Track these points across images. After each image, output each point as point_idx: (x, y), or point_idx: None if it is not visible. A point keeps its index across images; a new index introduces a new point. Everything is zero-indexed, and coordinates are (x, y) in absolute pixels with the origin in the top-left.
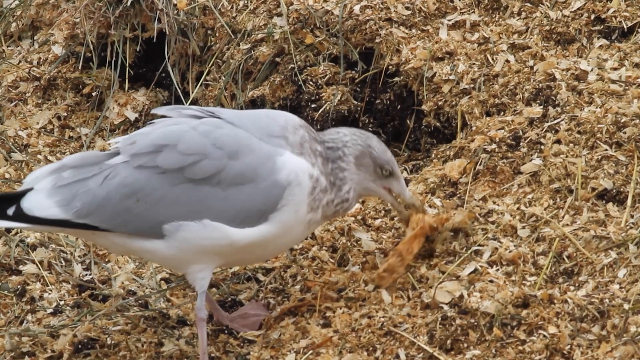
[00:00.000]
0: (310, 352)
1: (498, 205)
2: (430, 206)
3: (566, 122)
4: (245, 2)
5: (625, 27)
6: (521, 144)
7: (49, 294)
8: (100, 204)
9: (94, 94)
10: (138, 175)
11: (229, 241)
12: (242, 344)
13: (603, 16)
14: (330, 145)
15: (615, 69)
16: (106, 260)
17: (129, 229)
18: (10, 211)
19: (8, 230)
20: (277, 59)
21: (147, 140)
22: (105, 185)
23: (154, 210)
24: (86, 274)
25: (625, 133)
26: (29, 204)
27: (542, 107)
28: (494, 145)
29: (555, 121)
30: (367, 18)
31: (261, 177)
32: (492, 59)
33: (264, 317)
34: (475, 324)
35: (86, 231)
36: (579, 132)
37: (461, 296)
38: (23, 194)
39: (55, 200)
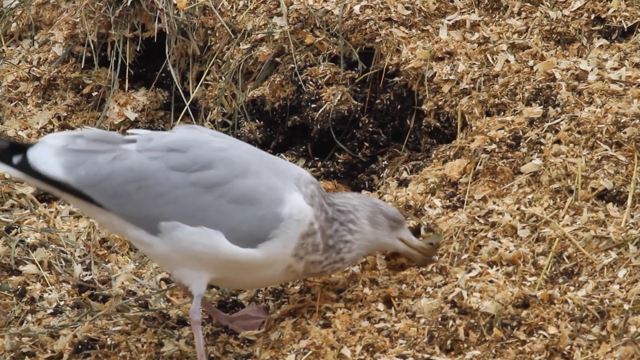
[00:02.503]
0: (311, 352)
1: (498, 205)
2: (430, 206)
3: (566, 122)
4: (245, 2)
5: (625, 27)
6: (521, 144)
7: (49, 294)
8: (103, 179)
9: (94, 94)
10: (147, 165)
11: (217, 251)
12: (242, 344)
13: (603, 16)
14: (341, 208)
15: (615, 69)
16: (106, 260)
17: (122, 211)
18: (16, 159)
19: (8, 230)
20: (277, 59)
21: (162, 141)
22: (113, 164)
23: (152, 202)
24: (86, 274)
25: (625, 133)
26: (34, 156)
27: (542, 107)
28: (494, 146)
29: (555, 121)
30: (367, 18)
31: (263, 203)
32: (492, 59)
33: (264, 319)
34: (475, 324)
35: (81, 201)
36: (579, 132)
37: (461, 296)
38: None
39: (61, 161)
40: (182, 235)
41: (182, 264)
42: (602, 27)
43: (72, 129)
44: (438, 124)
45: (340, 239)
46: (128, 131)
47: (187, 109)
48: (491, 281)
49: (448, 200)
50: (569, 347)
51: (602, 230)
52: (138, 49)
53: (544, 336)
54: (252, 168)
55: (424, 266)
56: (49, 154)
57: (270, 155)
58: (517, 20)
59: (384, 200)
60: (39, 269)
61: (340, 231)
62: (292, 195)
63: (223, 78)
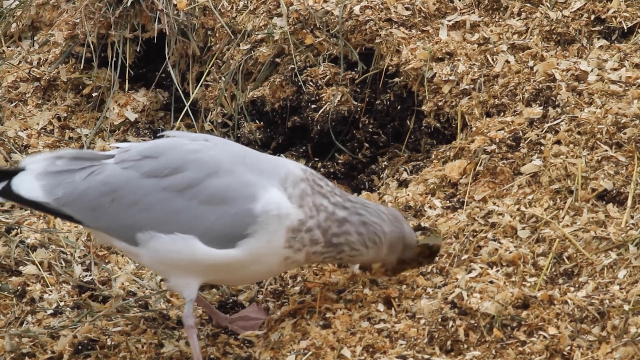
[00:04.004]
0: (311, 353)
1: (498, 206)
2: (430, 207)
3: (566, 123)
4: (245, 2)
5: (625, 27)
6: (521, 144)
7: (49, 295)
8: (78, 196)
9: (94, 94)
10: (120, 175)
11: (193, 256)
12: (242, 345)
13: (603, 16)
14: (366, 221)
15: (615, 69)
16: (106, 261)
17: (100, 225)
18: (0, 185)
19: (8, 230)
20: (277, 60)
21: (137, 150)
22: (87, 180)
23: (126, 212)
24: (86, 275)
25: (625, 134)
26: (17, 183)
27: (542, 107)
28: (494, 146)
29: (555, 122)
30: (367, 18)
31: (235, 201)
32: (492, 59)
33: (264, 320)
34: (475, 325)
35: (65, 219)
36: (579, 133)
37: (461, 297)
38: (16, 172)
39: (41, 184)
40: (158, 245)
41: (168, 273)
42: (602, 27)
43: (72, 129)
44: (438, 125)
45: (350, 245)
46: (108, 144)
47: (187, 110)
48: (491, 282)
49: (448, 201)
50: (569, 347)
51: (602, 230)
52: (138, 50)
53: (544, 337)
54: (225, 167)
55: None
56: (30, 179)
57: (260, 154)
58: (517, 20)
59: (384, 201)
60: (39, 270)
61: (353, 236)
62: (267, 192)
63: (223, 79)
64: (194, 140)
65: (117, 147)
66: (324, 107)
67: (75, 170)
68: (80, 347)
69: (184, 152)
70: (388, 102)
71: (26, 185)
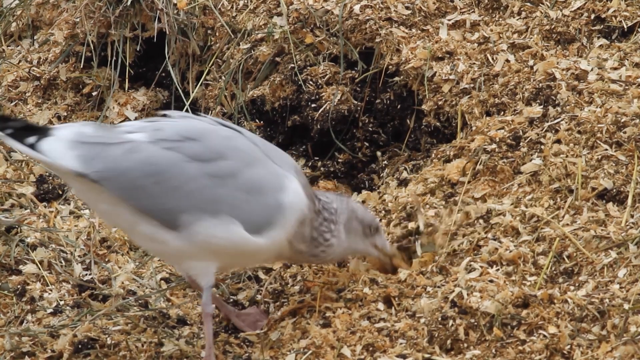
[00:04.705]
0: (311, 352)
1: (498, 205)
2: (430, 206)
3: (566, 122)
4: (245, 1)
5: (625, 26)
6: (521, 143)
7: (49, 293)
8: (121, 173)
9: (94, 93)
10: (164, 157)
11: (233, 242)
12: (242, 344)
13: (603, 16)
14: (326, 207)
15: (615, 68)
16: (106, 260)
17: (139, 205)
18: (31, 141)
19: (8, 229)
20: (277, 59)
21: (173, 129)
22: (129, 157)
23: (170, 195)
24: (86, 274)
25: (625, 133)
26: (48, 150)
27: (542, 106)
28: (494, 145)
29: (556, 121)
30: (367, 18)
31: (268, 191)
32: (492, 58)
33: (264, 323)
34: (475, 324)
35: (93, 193)
36: (579, 132)
37: (461, 296)
38: (40, 130)
39: (76, 154)
40: (201, 228)
41: (193, 257)
42: (602, 27)
43: None
44: (438, 124)
45: (322, 234)
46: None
47: (187, 109)
48: (491, 281)
49: (448, 200)
50: (569, 346)
51: (602, 229)
52: (138, 49)
53: (544, 336)
54: (258, 156)
55: (394, 274)
56: (62, 147)
57: (265, 141)
58: (517, 20)
59: (384, 200)
60: (39, 269)
61: (324, 227)
62: (292, 183)
63: (223, 78)
64: (214, 123)
65: (131, 125)
66: (324, 106)
67: (108, 143)
68: (80, 346)
69: (221, 139)
70: (388, 101)
71: (59, 153)
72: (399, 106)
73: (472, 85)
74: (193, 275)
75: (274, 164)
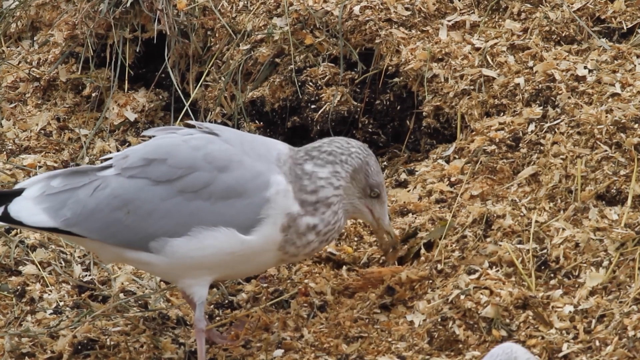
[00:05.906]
0: (311, 351)
1: (497, 206)
2: (430, 207)
3: (566, 123)
4: (245, 2)
5: (625, 27)
6: (521, 144)
7: (49, 294)
8: (89, 215)
9: (93, 94)
10: (129, 187)
11: (222, 249)
12: (240, 345)
13: (603, 16)
14: (330, 150)
15: (614, 70)
16: None
17: (118, 241)
18: None
19: (8, 230)
20: (277, 60)
21: (138, 155)
22: (95, 196)
23: (144, 222)
24: (86, 275)
25: (624, 134)
26: (16, 210)
27: (541, 107)
28: (493, 146)
29: (555, 122)
30: (367, 19)
31: (250, 192)
32: (492, 59)
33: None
34: (475, 325)
35: (74, 239)
36: (578, 133)
37: (461, 297)
38: (10, 194)
39: (43, 208)
40: (177, 247)
41: (182, 275)
42: (602, 27)
43: (72, 130)
44: (438, 125)
45: (315, 183)
46: (101, 158)
47: (186, 110)
48: (491, 282)
49: (447, 201)
50: (567, 348)
51: (601, 230)
52: (138, 50)
53: (543, 337)
54: (235, 158)
55: (389, 259)
56: (29, 204)
57: (252, 136)
58: (516, 21)
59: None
60: (39, 270)
61: (315, 184)
62: (276, 177)
63: (223, 79)
64: (188, 133)
65: (109, 158)
66: (324, 107)
67: (76, 188)
68: (79, 347)
69: (190, 151)
70: (388, 102)
71: (26, 211)
72: (398, 107)
73: (471, 86)
74: (187, 292)
75: (252, 160)
